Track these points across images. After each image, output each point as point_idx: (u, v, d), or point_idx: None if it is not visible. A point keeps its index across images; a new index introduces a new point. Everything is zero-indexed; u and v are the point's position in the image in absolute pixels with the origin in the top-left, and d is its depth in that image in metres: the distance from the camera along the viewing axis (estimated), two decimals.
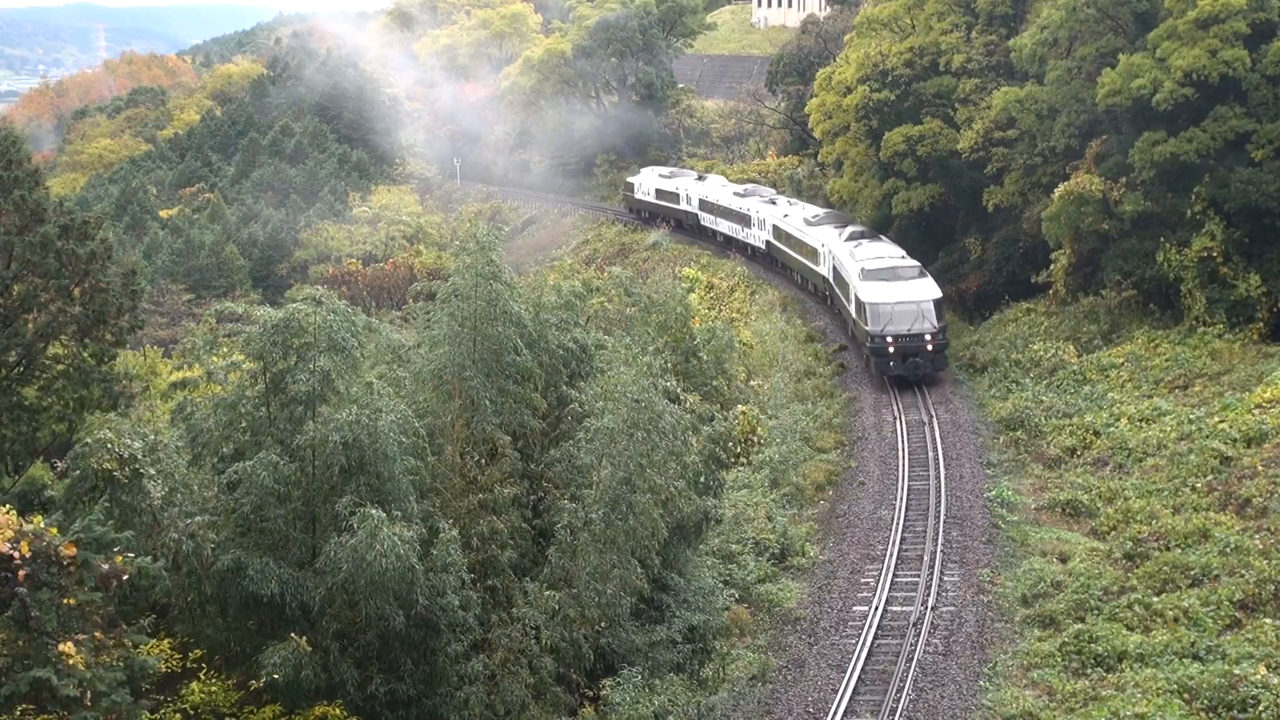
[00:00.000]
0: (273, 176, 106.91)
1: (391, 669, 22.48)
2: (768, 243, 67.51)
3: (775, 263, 67.30)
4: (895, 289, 47.93)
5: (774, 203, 68.58)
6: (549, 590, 24.12)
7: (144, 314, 35.87)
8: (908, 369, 46.46)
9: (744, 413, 40.06)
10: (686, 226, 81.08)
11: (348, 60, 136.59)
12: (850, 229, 56.87)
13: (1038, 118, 52.08)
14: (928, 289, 48.27)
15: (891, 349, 46.69)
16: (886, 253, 51.60)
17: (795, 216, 63.63)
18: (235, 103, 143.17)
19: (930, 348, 46.66)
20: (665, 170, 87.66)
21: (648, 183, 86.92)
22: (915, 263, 50.72)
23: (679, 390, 28.69)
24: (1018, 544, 33.00)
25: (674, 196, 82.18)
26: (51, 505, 23.16)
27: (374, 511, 21.02)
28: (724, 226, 74.57)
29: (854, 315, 49.88)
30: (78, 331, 30.41)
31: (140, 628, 20.55)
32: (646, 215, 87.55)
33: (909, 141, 57.90)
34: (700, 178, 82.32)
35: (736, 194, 73.58)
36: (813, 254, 59.24)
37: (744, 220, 71.04)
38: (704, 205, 77.38)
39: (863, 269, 49.84)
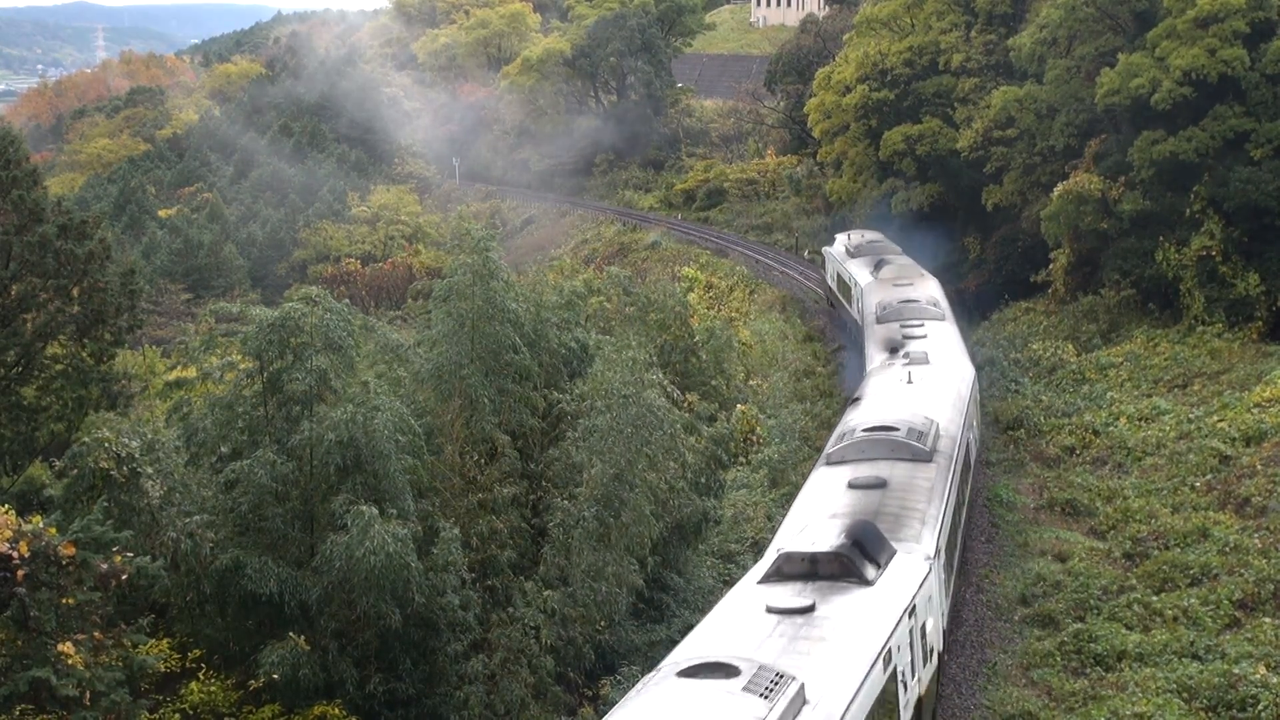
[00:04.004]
0: (271, 176, 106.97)
1: (391, 668, 22.44)
2: None
3: None
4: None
5: (913, 329, 39.12)
6: (546, 590, 24.07)
7: (142, 313, 35.86)
8: None
9: (743, 412, 40.00)
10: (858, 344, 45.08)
11: (347, 60, 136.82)
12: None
13: (1037, 117, 52.12)
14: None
15: None
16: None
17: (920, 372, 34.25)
18: (234, 102, 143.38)
19: None
20: (854, 240, 55.06)
21: (835, 260, 54.76)
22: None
23: (666, 383, 28.55)
24: (1017, 543, 32.97)
25: (848, 289, 50.74)
26: (50, 505, 23.09)
27: (366, 508, 20.98)
28: (879, 359, 37.15)
29: None
30: (76, 331, 30.45)
31: (139, 627, 20.50)
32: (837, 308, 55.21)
33: (908, 141, 57.96)
34: (878, 264, 49.02)
35: (890, 306, 42.32)
36: None
37: (893, 349, 37.77)
38: (869, 316, 43.03)
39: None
